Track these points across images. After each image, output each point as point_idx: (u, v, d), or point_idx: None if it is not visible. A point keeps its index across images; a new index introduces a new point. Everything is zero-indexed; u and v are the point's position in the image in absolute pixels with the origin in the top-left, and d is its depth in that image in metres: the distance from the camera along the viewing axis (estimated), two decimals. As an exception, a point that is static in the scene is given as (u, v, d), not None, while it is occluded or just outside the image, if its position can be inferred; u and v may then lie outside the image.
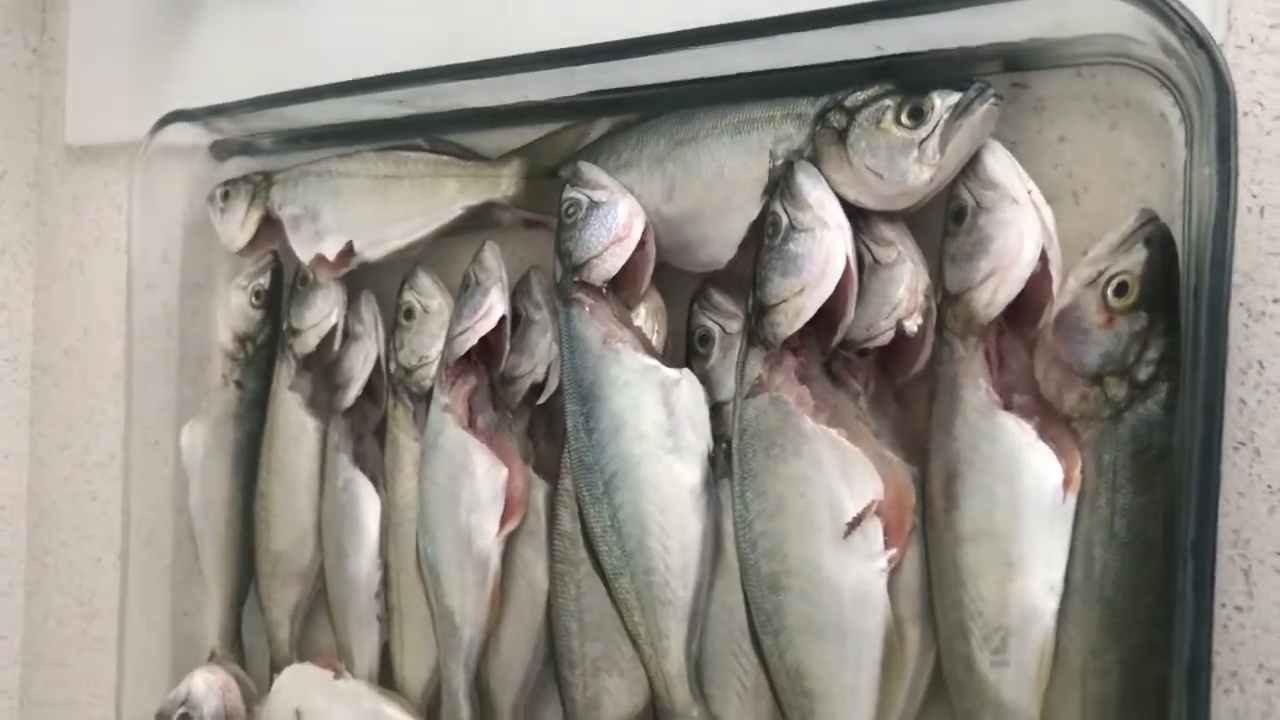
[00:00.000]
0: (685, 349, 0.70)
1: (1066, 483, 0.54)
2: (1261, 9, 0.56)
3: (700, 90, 0.68)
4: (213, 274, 1.00)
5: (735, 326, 0.67)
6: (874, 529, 0.59)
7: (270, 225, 0.90)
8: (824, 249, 0.60)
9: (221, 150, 0.94)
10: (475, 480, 0.74)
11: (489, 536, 0.74)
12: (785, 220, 0.61)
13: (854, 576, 0.59)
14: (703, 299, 0.69)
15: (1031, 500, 0.55)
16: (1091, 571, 0.54)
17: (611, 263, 0.68)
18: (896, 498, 0.59)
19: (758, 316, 0.62)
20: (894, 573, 0.60)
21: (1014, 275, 0.56)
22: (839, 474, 0.59)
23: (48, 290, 1.19)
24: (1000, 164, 0.58)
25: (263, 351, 0.91)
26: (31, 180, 1.20)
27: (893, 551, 0.59)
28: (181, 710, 0.91)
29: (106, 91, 1.10)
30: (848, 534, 0.59)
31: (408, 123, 0.83)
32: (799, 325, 0.60)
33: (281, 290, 0.91)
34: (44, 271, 1.19)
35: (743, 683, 0.66)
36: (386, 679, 0.84)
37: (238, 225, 0.91)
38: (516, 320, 0.76)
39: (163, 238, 1.00)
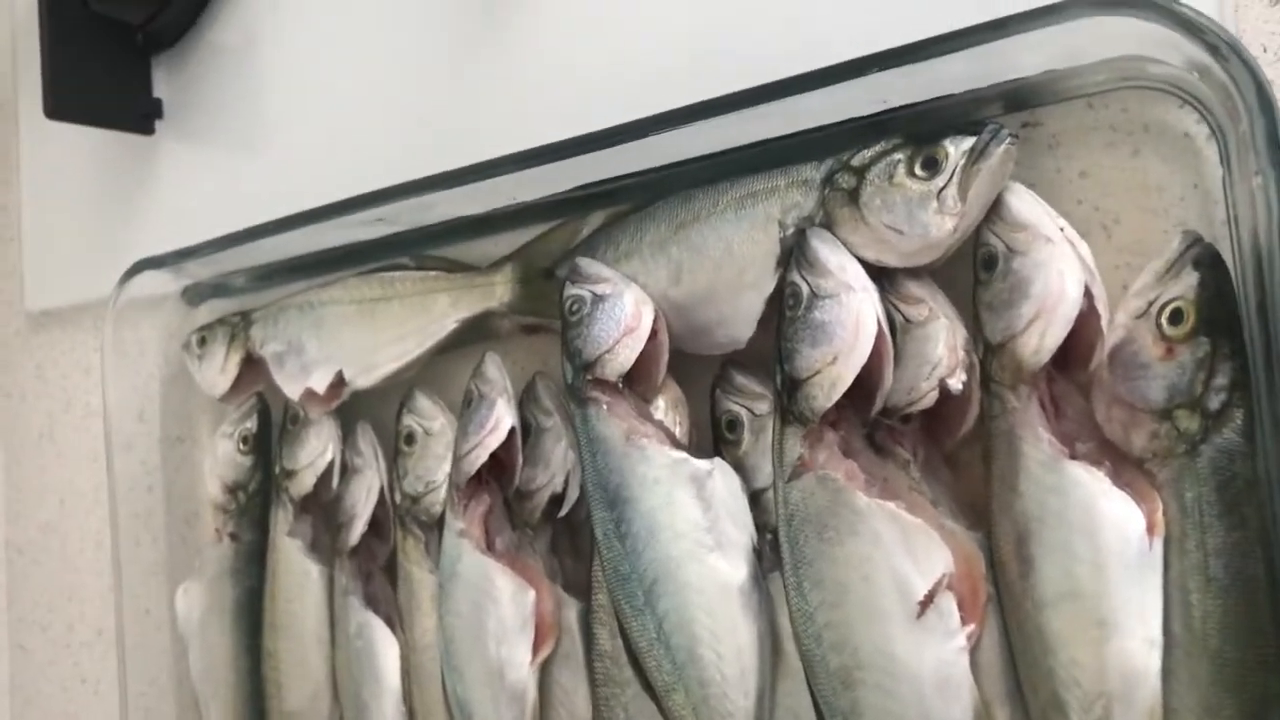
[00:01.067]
0: (713, 438, 0.66)
1: (1150, 528, 0.51)
2: (1269, 17, 0.54)
3: (696, 170, 0.66)
4: (194, 426, 0.95)
5: (763, 408, 0.64)
6: (948, 605, 0.54)
7: (252, 366, 0.86)
8: (852, 313, 0.57)
9: (194, 295, 0.91)
10: (501, 607, 0.70)
11: (522, 667, 0.69)
12: (806, 289, 0.58)
13: (933, 660, 0.55)
14: (724, 383, 0.65)
15: (1115, 552, 0.51)
16: (1192, 621, 0.50)
17: (625, 356, 0.64)
18: (967, 568, 0.55)
19: (790, 393, 0.59)
20: (973, 650, 0.55)
21: (1060, 315, 0.53)
22: (902, 550, 0.55)
23: (18, 465, 1.14)
24: (1026, 204, 0.55)
25: (255, 500, 0.86)
26: (-8, 352, 1.16)
27: (970, 627, 0.55)
28: None
29: (65, 252, 1.08)
30: (920, 614, 0.54)
31: (388, 243, 0.80)
32: (836, 396, 0.57)
33: (270, 433, 0.87)
34: (12, 446, 1.15)
35: (820, 793, 0.61)
36: (424, 839, 0.77)
37: (218, 370, 0.87)
38: (526, 431, 0.72)
39: (137, 395, 0.96)
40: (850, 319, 0.56)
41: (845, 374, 0.56)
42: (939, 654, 0.54)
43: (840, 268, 0.58)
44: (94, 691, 1.07)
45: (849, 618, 0.56)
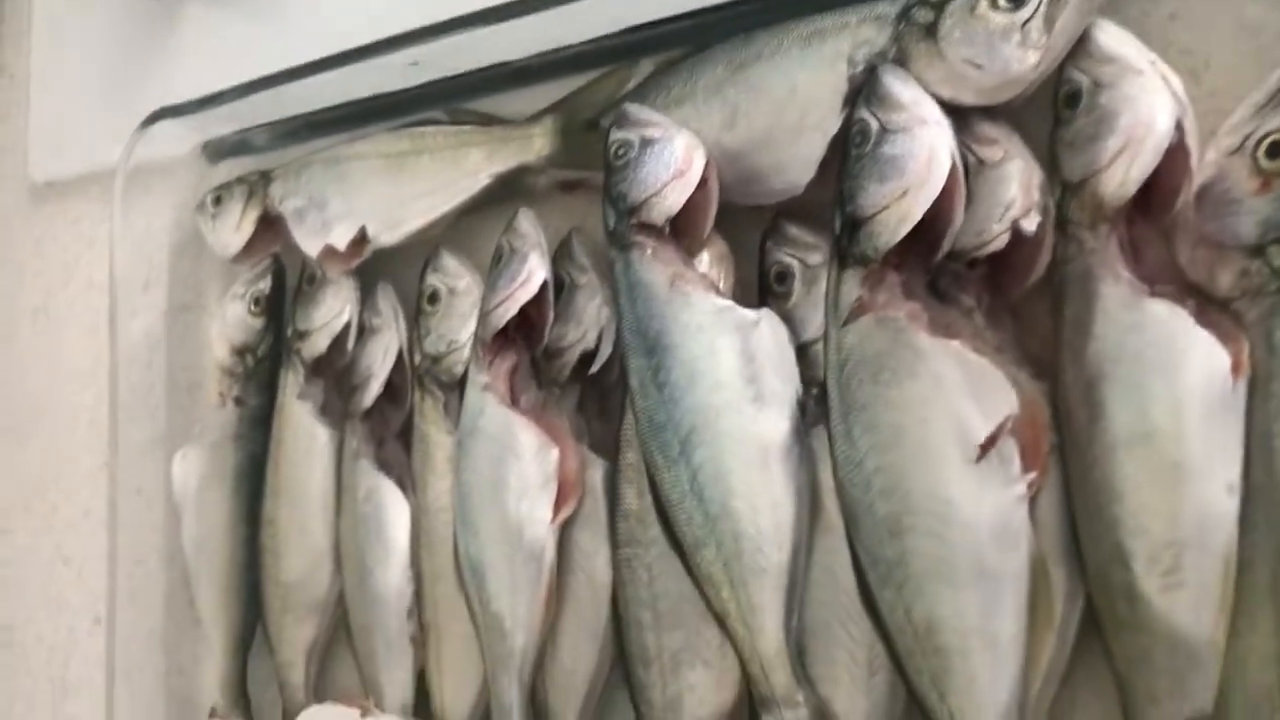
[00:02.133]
0: (759, 292, 0.63)
1: (1235, 368, 0.48)
2: None
3: (759, 9, 0.63)
4: (202, 293, 0.92)
5: (816, 259, 0.61)
6: (1010, 450, 0.52)
7: (269, 226, 0.83)
8: (925, 146, 0.54)
9: (214, 151, 0.87)
10: (523, 463, 0.67)
11: (543, 525, 0.66)
12: (875, 124, 0.55)
13: (991, 507, 0.52)
14: (776, 234, 0.63)
15: (1196, 391, 0.48)
16: (1273, 468, 0.48)
17: (673, 199, 0.61)
18: (1031, 415, 0.52)
19: (850, 233, 0.56)
20: (1031, 503, 0.52)
21: (1149, 147, 0.50)
22: (965, 391, 0.52)
23: (10, 342, 1.10)
24: (1115, 37, 0.53)
25: (264, 364, 0.83)
26: (-9, 225, 1.12)
27: (1032, 475, 0.52)
28: (180, 775, 0.80)
29: (74, 119, 1.04)
30: (980, 458, 0.52)
31: (421, 94, 0.77)
32: (904, 232, 0.54)
33: (284, 296, 0.84)
34: (6, 322, 1.11)
35: (853, 656, 0.58)
36: (423, 711, 0.74)
37: (232, 228, 0.83)
38: (559, 288, 0.69)
39: (145, 263, 0.92)
40: (923, 152, 0.54)
41: (914, 209, 0.54)
42: (997, 500, 0.52)
43: (914, 102, 0.55)
44: (77, 573, 1.03)
45: (902, 462, 0.54)
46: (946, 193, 0.53)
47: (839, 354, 0.56)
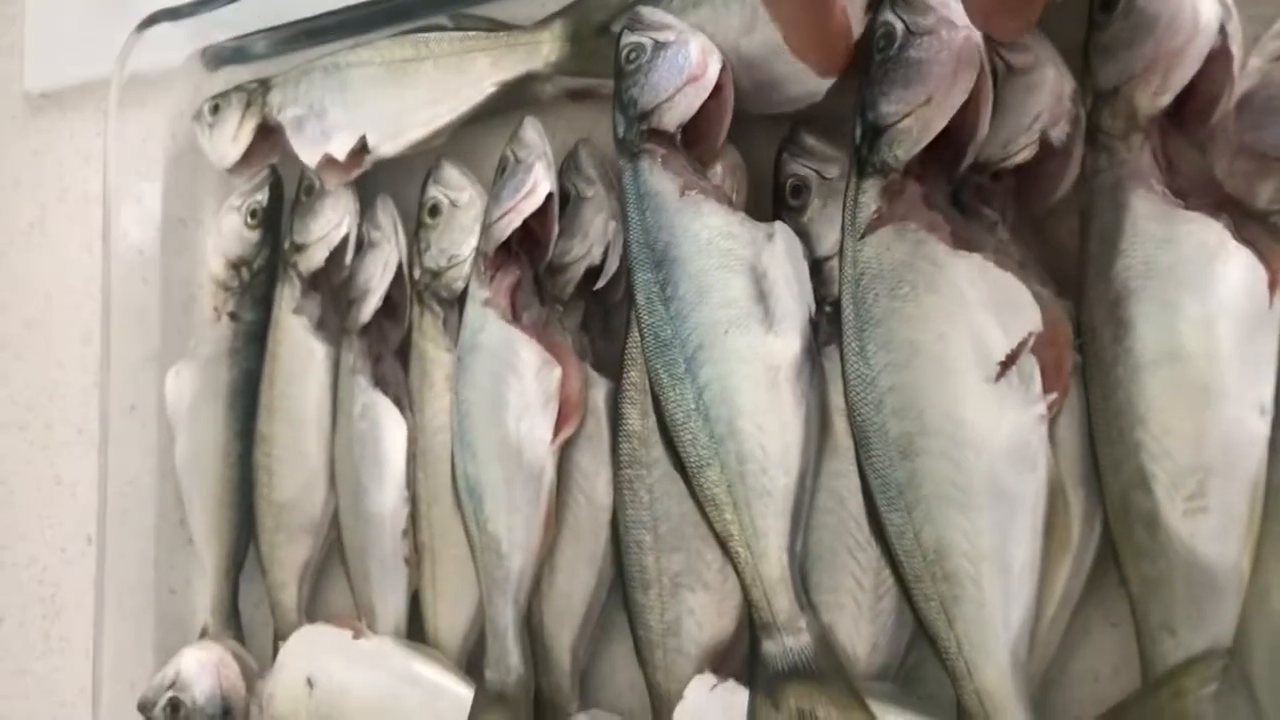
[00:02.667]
0: (773, 204, 0.60)
1: (1272, 285, 0.46)
2: None
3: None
4: (198, 207, 0.89)
5: (834, 171, 0.58)
6: (1031, 368, 0.50)
7: (267, 136, 0.80)
8: (953, 50, 0.51)
9: (211, 58, 0.84)
10: (524, 381, 0.64)
11: (543, 445, 0.64)
12: (901, 26, 0.53)
13: (1009, 427, 0.50)
14: (793, 145, 0.60)
15: (1230, 309, 0.46)
16: (1310, 389, 0.45)
17: (686, 105, 0.59)
18: (1053, 334, 0.50)
19: (871, 141, 0.53)
20: (1050, 423, 0.50)
21: (1190, 54, 0.48)
22: (986, 306, 0.50)
23: (4, 257, 1.08)
24: (1157, -62, 0.50)
25: (260, 278, 0.81)
26: (-17, 138, 1.09)
27: (1053, 396, 0.50)
28: (170, 695, 0.79)
29: (70, 26, 1.01)
30: (1000, 375, 0.50)
31: (426, 1, 0.74)
32: (927, 139, 0.51)
33: (281, 208, 0.81)
34: (0, 236, 1.08)
35: (859, 582, 0.56)
36: (417, 634, 0.73)
37: (229, 137, 0.81)
38: (565, 201, 0.67)
39: (140, 178, 0.90)
40: (950, 55, 0.51)
41: (939, 116, 0.51)
42: (1016, 420, 0.50)
43: (942, 3, 0.52)
44: (70, 493, 1.01)
45: (918, 380, 0.52)
46: (973, 101, 0.51)
47: (855, 267, 0.54)
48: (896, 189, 0.53)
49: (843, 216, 0.55)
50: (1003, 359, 0.49)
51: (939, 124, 0.51)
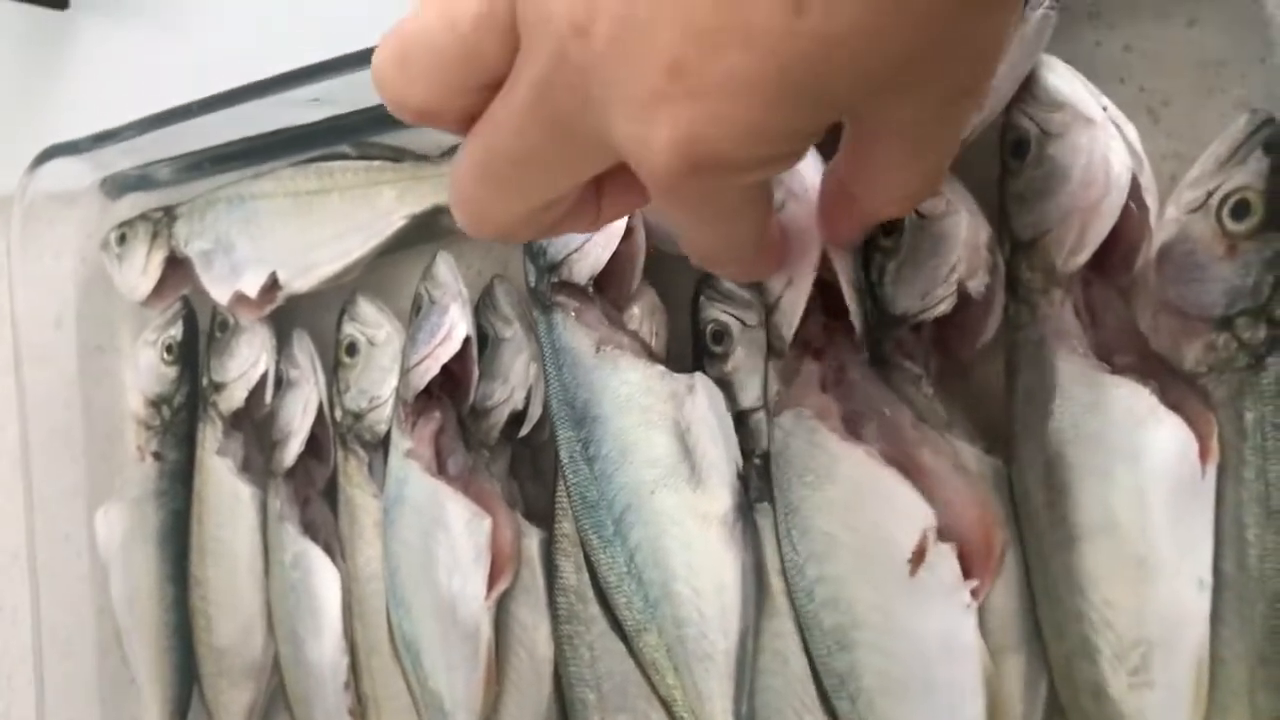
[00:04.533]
0: (693, 352, 0.58)
1: (1203, 453, 0.44)
2: None
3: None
4: (115, 334, 0.86)
5: (754, 318, 0.56)
6: (944, 561, 0.47)
7: (177, 267, 0.77)
8: (810, 225, 0.49)
9: (113, 187, 0.81)
10: (453, 535, 0.62)
11: (476, 601, 0.62)
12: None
13: (935, 620, 0.48)
14: (709, 289, 0.58)
15: (1161, 479, 0.44)
16: (1246, 560, 0.44)
17: (596, 256, 0.57)
18: (978, 515, 0.48)
19: (767, 321, 0.52)
20: (986, 600, 0.49)
21: (1104, 209, 0.46)
22: (881, 500, 0.48)
23: (-80, 380, 1.04)
24: (1064, 80, 0.48)
25: (181, 415, 0.78)
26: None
27: (976, 583, 0.48)
28: (123, 847, 0.77)
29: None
30: (913, 572, 0.48)
31: (328, 129, 0.71)
32: (796, 321, 0.50)
33: (197, 341, 0.78)
34: (-86, 359, 1.04)
35: (808, 743, 0.55)
36: (366, 783, 0.71)
37: (139, 271, 0.78)
38: (484, 342, 0.64)
39: (53, 299, 0.87)
40: (806, 227, 0.49)
41: (799, 297, 0.50)
42: (941, 612, 0.48)
43: (800, 188, 0.50)
44: (11, 621, 0.99)
45: (841, 572, 0.50)
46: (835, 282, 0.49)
47: (775, 446, 0.52)
48: (792, 369, 0.51)
49: (763, 390, 0.53)
50: (909, 556, 0.47)
51: (800, 303, 0.50)
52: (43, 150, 0.78)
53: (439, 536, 0.62)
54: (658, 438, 0.55)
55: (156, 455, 0.78)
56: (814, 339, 0.50)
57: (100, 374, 0.86)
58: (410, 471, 0.63)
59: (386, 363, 0.68)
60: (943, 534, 0.47)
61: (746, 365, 0.56)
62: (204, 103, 0.70)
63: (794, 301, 0.50)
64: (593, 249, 0.57)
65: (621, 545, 0.56)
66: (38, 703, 0.83)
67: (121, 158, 0.80)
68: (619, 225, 0.56)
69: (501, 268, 0.67)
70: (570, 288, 0.57)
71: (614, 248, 0.56)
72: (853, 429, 0.49)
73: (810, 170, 0.49)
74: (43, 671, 0.83)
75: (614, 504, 0.56)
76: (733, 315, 0.57)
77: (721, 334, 0.57)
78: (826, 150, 0.44)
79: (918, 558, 0.47)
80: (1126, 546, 0.45)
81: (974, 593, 0.47)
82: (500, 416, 0.64)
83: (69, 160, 0.79)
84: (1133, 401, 0.45)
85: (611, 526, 0.56)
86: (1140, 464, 0.45)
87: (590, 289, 0.57)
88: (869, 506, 0.48)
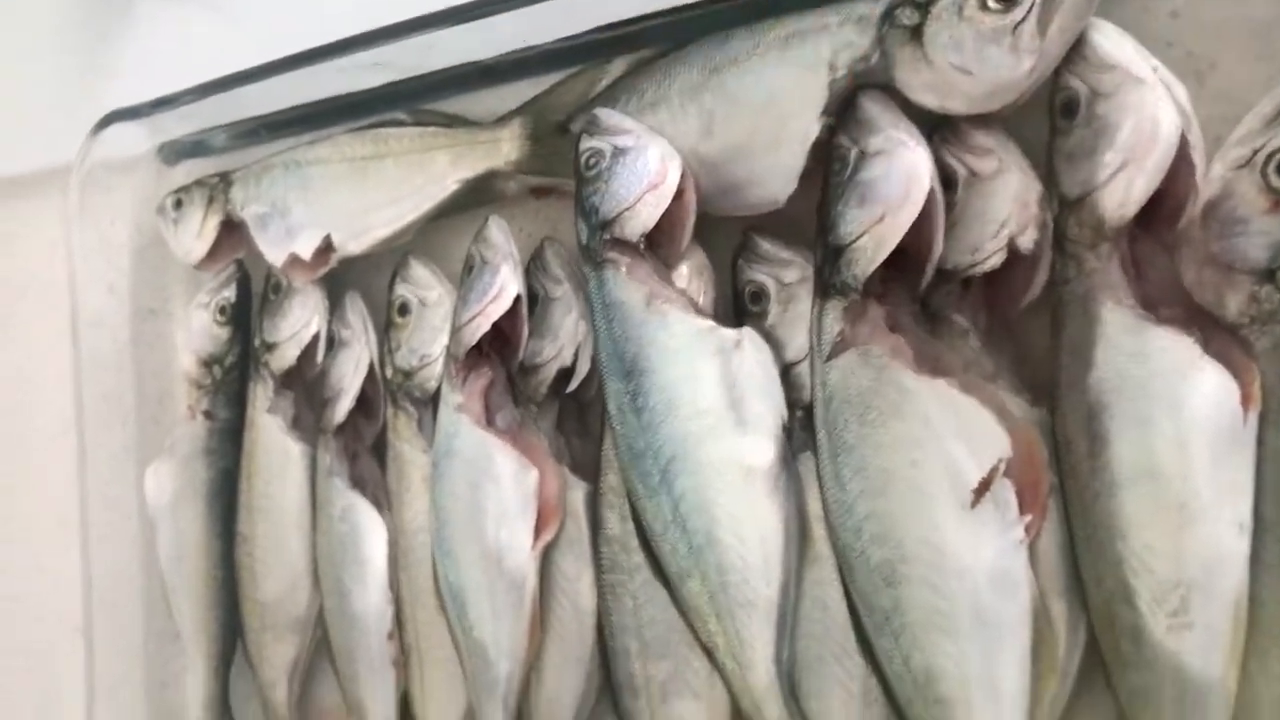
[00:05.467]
0: (734, 311, 0.60)
1: (1245, 400, 0.45)
2: None
3: (736, 8, 0.59)
4: (168, 298, 0.88)
5: (792, 275, 0.58)
6: (1006, 494, 0.49)
7: (232, 231, 0.79)
8: (903, 167, 0.51)
9: (170, 153, 0.84)
10: (501, 487, 0.64)
11: (523, 552, 0.63)
12: (854, 150, 0.52)
13: (988, 553, 0.49)
14: (747, 251, 0.60)
15: (1204, 427, 0.46)
16: (1286, 504, 0.45)
17: (647, 214, 0.58)
18: (1028, 454, 0.49)
19: (831, 262, 0.53)
20: (1033, 541, 0.50)
21: (1151, 164, 0.47)
22: (954, 432, 0.49)
23: (-25, 346, 1.07)
24: (1114, 41, 0.49)
25: (233, 375, 0.80)
26: (-55, 230, 1.07)
27: (1029, 518, 0.49)
28: (165, 797, 0.79)
29: (28, 113, 0.99)
30: (975, 503, 0.49)
31: (384, 96, 0.73)
32: (881, 258, 0.51)
33: (250, 303, 0.80)
34: (-32, 327, 1.07)
35: (847, 689, 0.56)
36: (408, 734, 0.72)
37: (194, 234, 0.80)
38: (533, 301, 0.66)
39: (107, 266, 0.89)
40: (900, 173, 0.51)
41: (892, 233, 0.51)
42: (995, 547, 0.49)
43: (893, 125, 0.52)
44: (54, 584, 1.01)
45: (894, 508, 0.51)
46: (925, 216, 0.50)
47: (824, 390, 0.53)
48: (858, 310, 0.52)
49: (810, 338, 0.55)
50: (976, 486, 0.49)
51: (893, 239, 0.50)
52: (104, 115, 0.81)
53: (487, 488, 0.64)
54: (705, 389, 0.56)
55: (207, 414, 0.80)
56: (875, 286, 0.51)
57: (153, 338, 0.88)
58: (460, 425, 0.65)
59: (437, 322, 0.70)
60: (1001, 471, 0.49)
61: (784, 321, 0.58)
62: (265, 67, 0.72)
63: (887, 236, 0.50)
64: (644, 207, 0.58)
65: (667, 494, 0.57)
66: (86, 660, 0.85)
67: (179, 125, 0.82)
68: (671, 184, 0.58)
69: (551, 230, 0.68)
70: (622, 244, 0.59)
71: (665, 207, 0.58)
72: (918, 366, 0.50)
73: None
74: (92, 631, 0.85)
75: (660, 454, 0.57)
76: (769, 275, 0.58)
77: (759, 294, 0.59)
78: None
79: (983, 488, 0.48)
80: (1168, 492, 0.46)
81: (1027, 529, 0.48)
82: (548, 373, 0.65)
83: (128, 126, 0.81)
84: (1177, 350, 0.46)
85: (657, 476, 0.57)
86: (1183, 411, 0.46)
87: (641, 246, 0.59)
88: (942, 438, 0.49)
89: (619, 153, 0.59)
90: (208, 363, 0.80)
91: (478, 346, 0.65)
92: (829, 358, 0.53)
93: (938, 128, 0.53)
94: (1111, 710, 0.51)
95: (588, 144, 0.60)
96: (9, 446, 1.03)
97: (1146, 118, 0.47)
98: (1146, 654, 0.47)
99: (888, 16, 0.53)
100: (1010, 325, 0.54)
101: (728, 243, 0.61)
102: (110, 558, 0.87)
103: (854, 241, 0.52)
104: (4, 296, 1.04)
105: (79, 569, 0.87)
